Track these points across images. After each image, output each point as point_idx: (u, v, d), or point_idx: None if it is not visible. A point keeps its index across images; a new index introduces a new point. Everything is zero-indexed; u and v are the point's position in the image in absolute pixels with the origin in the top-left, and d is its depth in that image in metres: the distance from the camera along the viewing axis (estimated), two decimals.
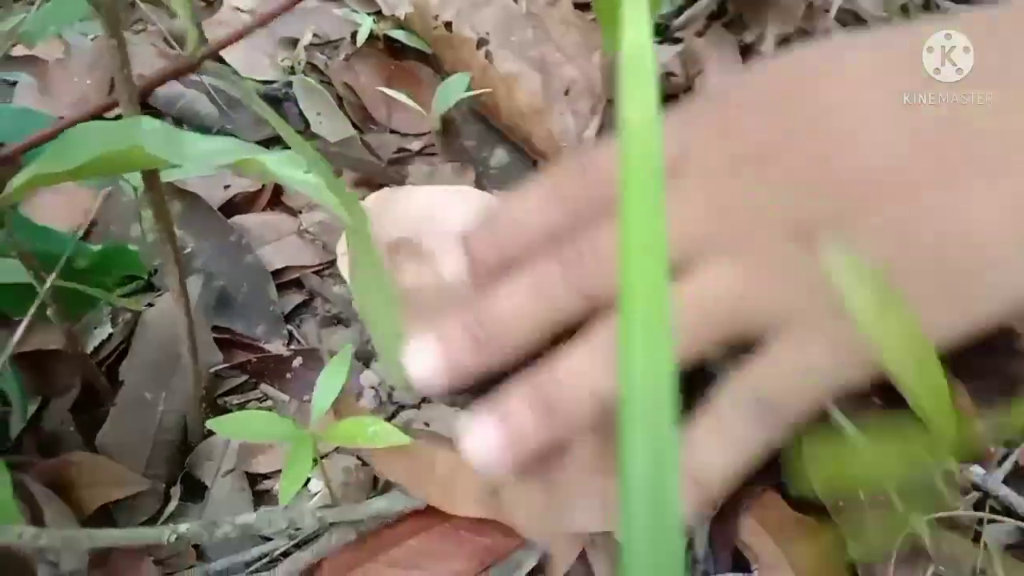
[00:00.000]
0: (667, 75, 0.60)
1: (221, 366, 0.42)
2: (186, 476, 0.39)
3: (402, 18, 0.57)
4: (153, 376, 0.40)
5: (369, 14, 0.58)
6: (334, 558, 0.36)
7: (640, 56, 0.13)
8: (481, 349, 0.29)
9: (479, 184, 0.52)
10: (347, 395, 0.41)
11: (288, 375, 0.42)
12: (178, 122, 0.55)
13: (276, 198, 0.51)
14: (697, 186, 0.31)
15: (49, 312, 0.34)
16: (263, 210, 0.50)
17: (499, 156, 0.54)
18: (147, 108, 0.54)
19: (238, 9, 0.60)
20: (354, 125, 0.55)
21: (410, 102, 0.50)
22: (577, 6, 0.62)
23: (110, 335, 0.43)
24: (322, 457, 0.37)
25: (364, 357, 0.43)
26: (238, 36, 0.36)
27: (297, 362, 0.42)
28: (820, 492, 0.37)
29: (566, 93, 0.51)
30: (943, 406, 0.25)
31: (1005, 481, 0.39)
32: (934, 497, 0.39)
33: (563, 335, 0.30)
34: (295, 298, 0.46)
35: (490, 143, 0.55)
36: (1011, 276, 0.28)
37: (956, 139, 0.29)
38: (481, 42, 0.53)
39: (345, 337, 0.45)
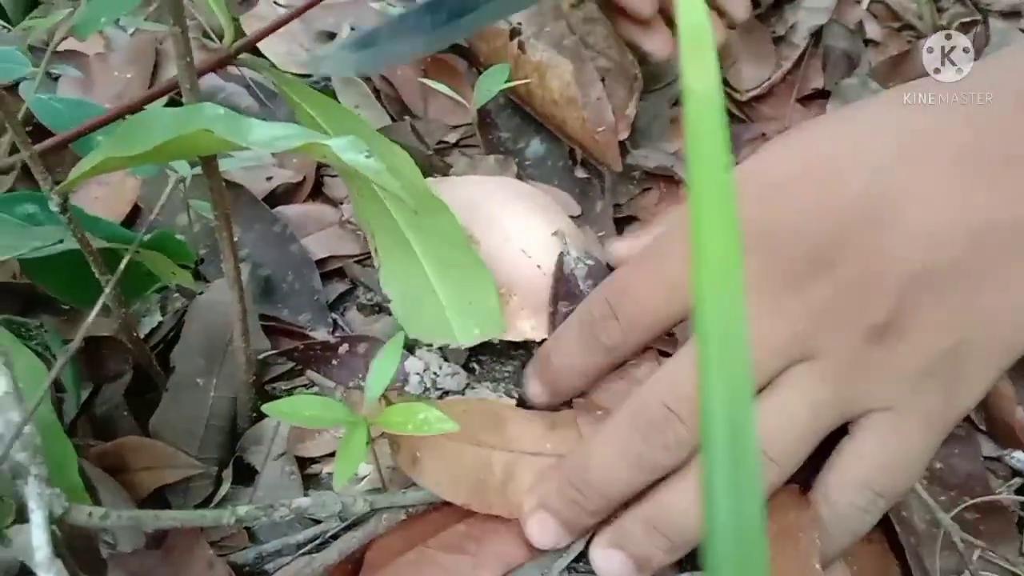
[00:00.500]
0: None
1: (268, 353, 0.43)
2: (237, 460, 0.40)
3: None
4: (204, 362, 0.40)
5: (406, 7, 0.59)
6: (383, 541, 0.37)
7: (698, 27, 0.14)
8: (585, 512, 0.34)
9: (519, 176, 0.52)
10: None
11: (334, 362, 0.43)
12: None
13: (317, 189, 0.51)
14: (759, 299, 0.32)
15: (107, 299, 0.35)
16: (305, 201, 0.51)
17: (535, 146, 0.54)
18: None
19: (275, 3, 0.61)
20: (391, 117, 0.55)
21: (451, 92, 0.50)
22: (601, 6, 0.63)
23: (160, 323, 0.44)
24: (370, 441, 0.37)
25: (408, 344, 0.44)
26: (272, 28, 0.37)
27: (342, 349, 0.43)
28: None
29: (602, 80, 0.52)
30: None
31: None
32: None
33: None
34: (338, 287, 0.47)
35: (526, 133, 0.55)
36: None
37: (999, 227, 0.30)
38: (513, 32, 0.53)
39: (387, 324, 0.46)
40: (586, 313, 0.37)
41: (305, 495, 0.39)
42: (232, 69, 0.58)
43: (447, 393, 0.42)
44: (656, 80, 0.58)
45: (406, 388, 0.42)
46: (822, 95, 0.59)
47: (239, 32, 0.37)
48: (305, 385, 0.43)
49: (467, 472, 0.36)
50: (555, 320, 0.40)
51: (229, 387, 0.40)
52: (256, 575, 0.36)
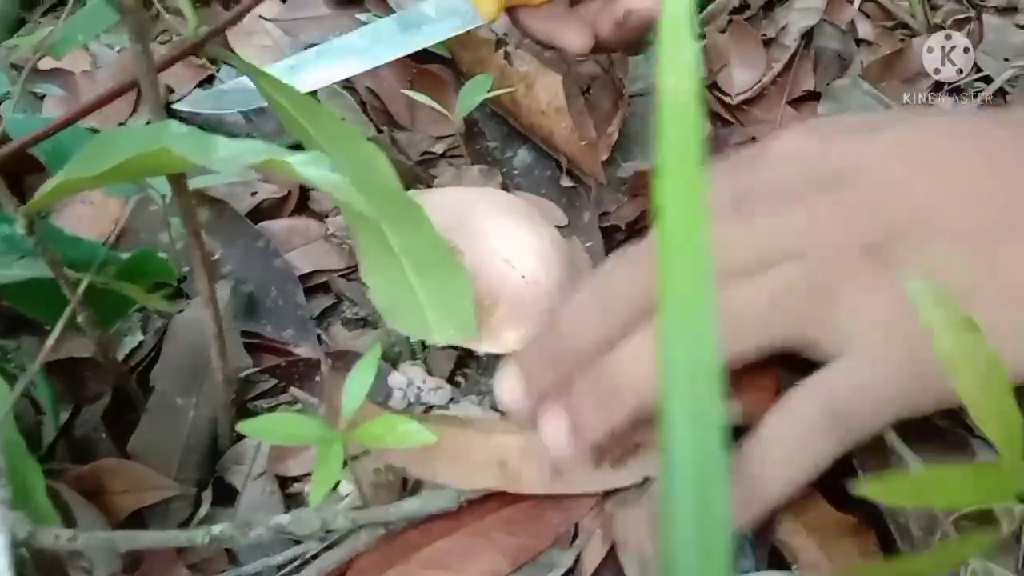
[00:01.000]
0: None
1: (251, 370, 0.42)
2: (217, 480, 0.39)
3: None
4: (184, 382, 0.40)
5: None
6: (364, 558, 0.36)
7: (678, 27, 0.13)
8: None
9: (504, 186, 0.51)
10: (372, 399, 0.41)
11: (317, 378, 0.42)
12: (203, 130, 0.55)
13: (303, 203, 0.51)
14: (769, 205, 0.33)
15: (80, 320, 0.35)
16: (290, 216, 0.50)
17: (522, 156, 0.54)
18: (172, 116, 0.55)
19: (261, 17, 0.61)
20: (378, 129, 0.55)
21: (434, 104, 0.50)
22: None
23: (140, 342, 0.44)
24: (352, 459, 0.37)
25: (392, 358, 0.43)
26: (240, 15, 0.36)
27: (326, 365, 0.42)
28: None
29: (587, 90, 0.51)
30: (1015, 441, 0.24)
31: None
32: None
33: None
34: (323, 301, 0.46)
35: (513, 143, 0.55)
36: None
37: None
38: (500, 43, 0.52)
39: (373, 339, 0.45)
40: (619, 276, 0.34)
41: (288, 513, 0.39)
42: (218, 83, 0.57)
43: (431, 408, 0.41)
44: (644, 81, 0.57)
45: (390, 403, 0.42)
46: (813, 97, 0.58)
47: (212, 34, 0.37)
48: (289, 402, 0.43)
49: (488, 457, 0.36)
50: None
51: (209, 406, 0.40)
52: None
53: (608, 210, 0.51)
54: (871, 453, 0.38)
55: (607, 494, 0.36)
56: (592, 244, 0.48)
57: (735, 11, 0.63)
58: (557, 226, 0.48)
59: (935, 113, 0.36)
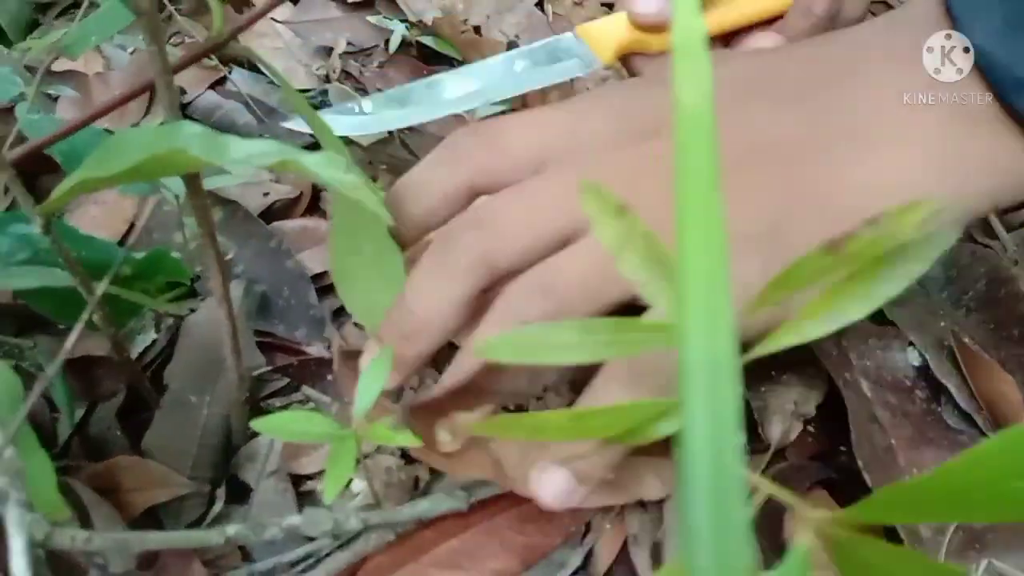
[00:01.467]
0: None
1: (263, 369, 0.43)
2: (231, 478, 0.39)
3: (429, 23, 0.58)
4: (197, 380, 0.40)
5: (402, 21, 0.59)
6: (376, 557, 0.36)
7: (693, 38, 0.13)
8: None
9: None
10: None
11: (329, 377, 0.42)
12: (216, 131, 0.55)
13: (314, 204, 0.51)
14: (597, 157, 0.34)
15: (95, 319, 0.35)
16: (302, 216, 0.51)
17: None
18: (186, 118, 0.55)
19: (273, 19, 0.61)
20: (388, 132, 0.55)
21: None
22: (604, 4, 0.63)
23: (154, 341, 0.44)
24: (364, 457, 0.37)
25: None
26: (260, 15, 0.36)
27: (339, 363, 0.43)
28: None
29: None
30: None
31: None
32: None
33: None
34: (334, 302, 0.47)
35: None
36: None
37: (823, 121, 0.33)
38: (511, 45, 0.53)
39: None
40: (447, 250, 0.34)
41: (299, 512, 0.39)
42: (230, 86, 0.58)
43: None
44: None
45: (401, 401, 0.42)
46: None
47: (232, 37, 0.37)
48: (301, 401, 0.43)
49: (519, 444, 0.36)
50: None
51: (223, 405, 0.40)
52: None
53: None
54: (875, 456, 0.38)
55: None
56: None
57: None
58: None
59: (750, 54, 0.40)
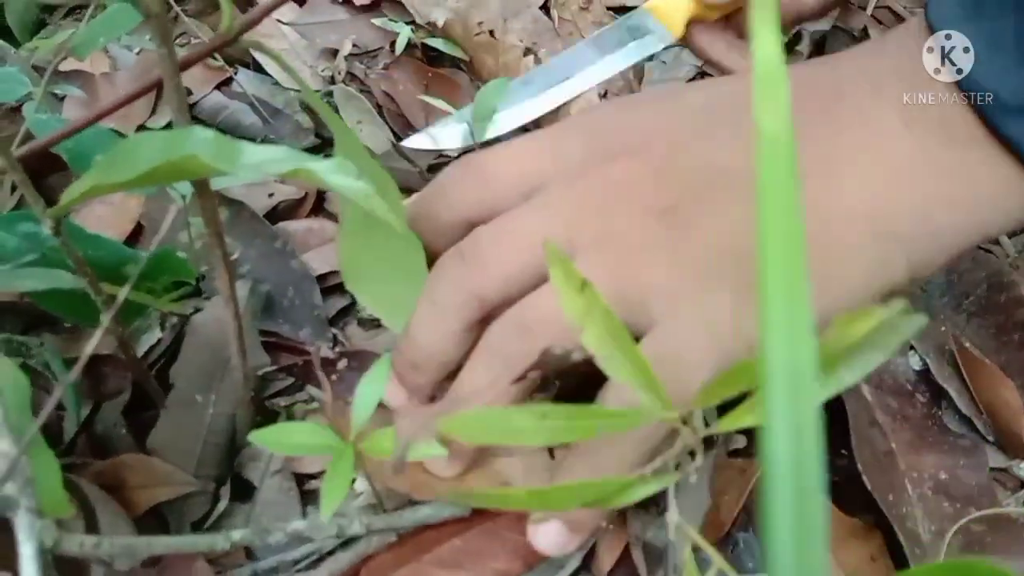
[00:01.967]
0: (703, 75, 0.60)
1: (268, 369, 0.43)
2: (235, 477, 0.40)
3: (440, 25, 0.58)
4: (202, 379, 0.41)
5: (407, 23, 0.59)
6: (378, 556, 0.37)
7: (773, 69, 0.14)
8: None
9: None
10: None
11: (333, 377, 0.43)
12: (222, 132, 0.56)
13: (319, 205, 0.52)
14: (560, 192, 0.34)
15: (103, 318, 0.35)
16: (306, 217, 0.51)
17: None
18: (192, 119, 0.55)
19: (279, 21, 0.61)
20: (393, 132, 0.55)
21: (450, 108, 0.50)
22: (609, 8, 0.63)
23: (159, 340, 0.44)
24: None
25: None
26: (270, 9, 0.36)
27: (342, 364, 0.43)
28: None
29: (604, 95, 0.52)
30: (649, 380, 0.25)
31: None
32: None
33: None
34: (339, 302, 0.47)
35: None
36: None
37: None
38: (528, 50, 0.53)
39: (387, 339, 0.46)
40: (439, 287, 0.35)
41: (303, 511, 0.39)
42: (235, 86, 0.58)
43: None
44: None
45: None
46: None
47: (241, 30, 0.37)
48: (305, 400, 0.43)
49: (491, 481, 0.36)
50: None
51: (228, 403, 0.40)
52: None
53: None
54: (875, 460, 0.38)
55: None
56: None
57: None
58: None
59: (723, 80, 0.38)
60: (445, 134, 0.51)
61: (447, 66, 0.59)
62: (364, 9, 0.62)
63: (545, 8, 0.62)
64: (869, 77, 0.33)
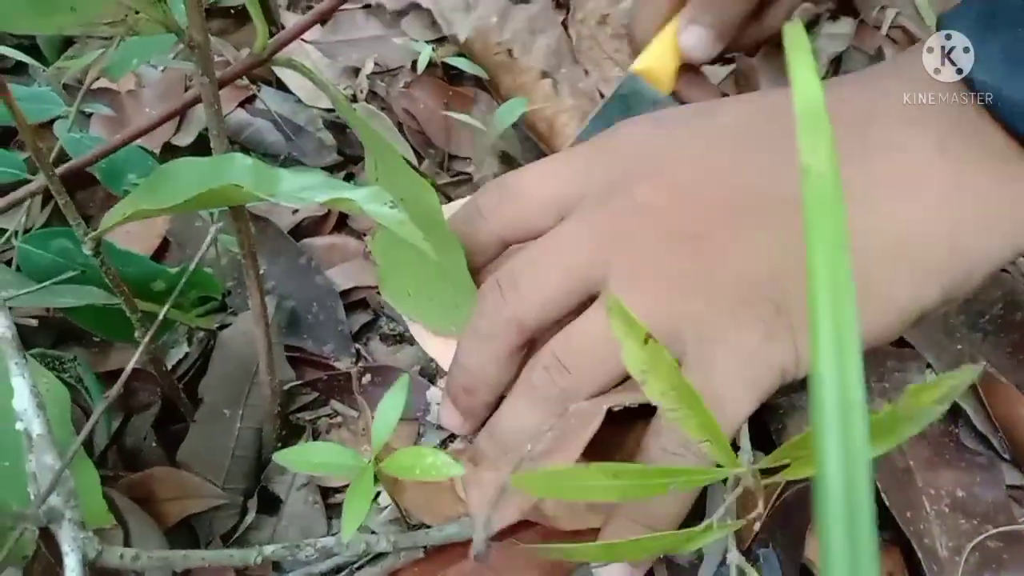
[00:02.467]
0: (721, 95, 0.61)
1: (293, 383, 0.44)
2: (262, 490, 0.40)
3: (462, 41, 0.59)
4: (231, 393, 0.41)
5: (428, 42, 0.60)
6: (404, 571, 0.37)
7: (814, 107, 0.14)
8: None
9: None
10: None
11: (360, 392, 0.44)
12: (245, 150, 0.57)
13: (342, 222, 0.53)
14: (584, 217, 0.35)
15: (137, 335, 0.36)
16: (330, 233, 0.52)
17: None
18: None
19: (302, 40, 0.62)
20: (414, 150, 0.56)
21: (473, 121, 0.51)
22: (623, 24, 0.64)
23: (186, 354, 0.45)
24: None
25: (429, 374, 0.44)
26: (303, 29, 0.37)
27: (365, 379, 0.44)
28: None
29: None
30: (715, 431, 0.26)
31: None
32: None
33: None
34: (362, 317, 0.48)
35: None
36: None
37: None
38: (545, 73, 0.54)
39: (409, 354, 0.46)
40: (482, 316, 0.36)
41: (328, 524, 0.40)
42: (259, 104, 0.59)
43: None
44: None
45: (427, 417, 0.43)
46: None
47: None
48: (329, 415, 0.44)
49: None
50: None
51: (255, 418, 0.41)
52: None
53: None
54: (893, 477, 0.39)
55: None
56: None
57: None
58: None
59: (753, 98, 0.38)
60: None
61: (468, 84, 0.60)
62: (390, 22, 0.63)
63: (564, 25, 0.63)
64: (898, 99, 0.33)
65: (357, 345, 0.47)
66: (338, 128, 0.58)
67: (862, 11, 0.65)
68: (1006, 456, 0.42)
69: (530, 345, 0.36)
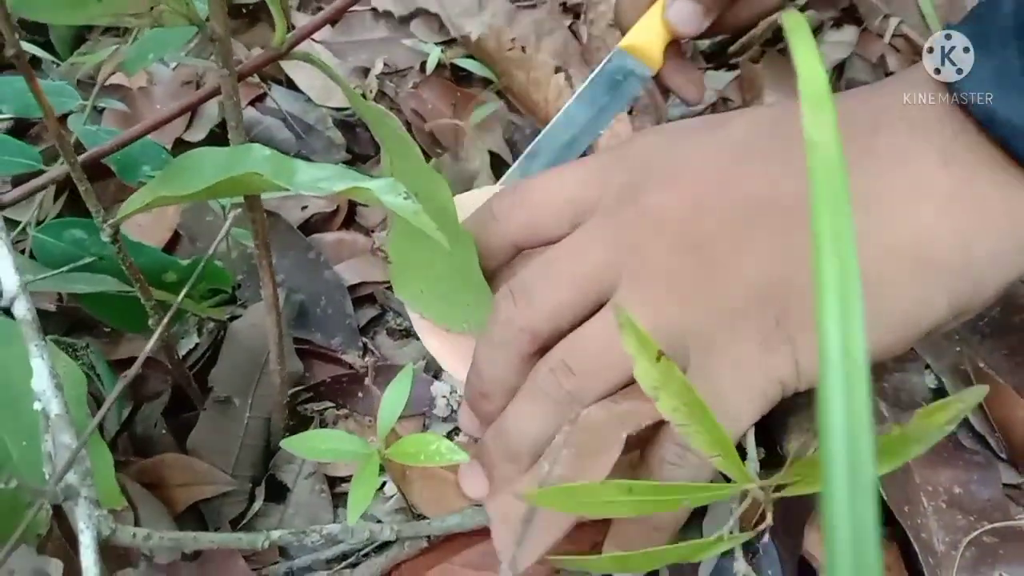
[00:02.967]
0: (724, 100, 0.62)
1: (298, 389, 0.44)
2: (269, 478, 0.41)
3: (473, 39, 0.60)
4: (240, 383, 0.42)
5: (436, 44, 0.61)
6: (410, 561, 0.38)
7: (817, 80, 0.15)
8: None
9: None
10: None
11: (364, 383, 0.44)
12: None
13: (350, 218, 0.53)
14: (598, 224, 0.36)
15: (151, 323, 0.37)
16: (339, 229, 0.52)
17: None
18: (227, 132, 0.57)
19: (312, 40, 0.63)
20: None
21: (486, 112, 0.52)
22: None
23: (196, 344, 0.46)
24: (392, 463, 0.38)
25: (435, 368, 0.45)
26: (321, 23, 0.38)
27: (372, 371, 0.44)
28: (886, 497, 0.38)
29: (630, 112, 0.53)
30: (725, 445, 0.27)
31: None
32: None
33: None
34: (369, 312, 0.49)
35: None
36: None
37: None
38: (559, 68, 0.55)
39: (415, 348, 0.47)
40: (496, 324, 0.37)
41: (334, 512, 0.41)
42: (269, 102, 0.60)
43: None
44: None
45: (433, 411, 0.44)
46: None
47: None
48: (336, 406, 0.45)
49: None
50: None
51: (263, 407, 0.42)
52: None
53: None
54: (892, 473, 0.39)
55: None
56: None
57: (768, 42, 0.65)
58: None
59: (763, 111, 0.38)
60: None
61: (475, 86, 0.61)
62: (398, 25, 0.64)
63: (571, 28, 0.64)
64: (903, 112, 0.33)
65: (364, 339, 0.47)
66: (347, 127, 0.58)
67: (865, 19, 0.66)
68: (1003, 455, 0.42)
69: (545, 349, 0.37)
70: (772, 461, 0.41)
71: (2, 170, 0.44)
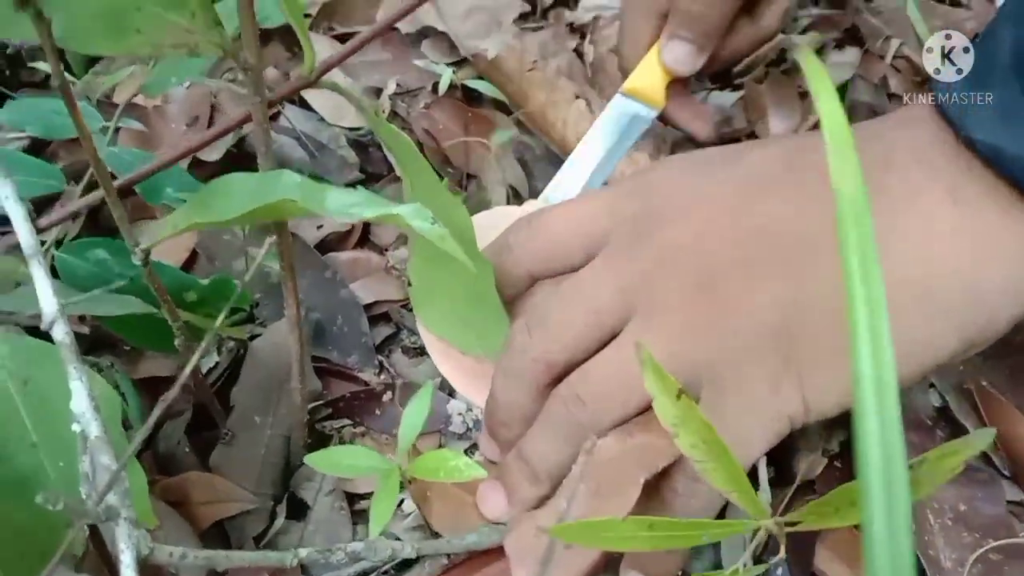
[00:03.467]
0: (728, 120, 0.63)
1: (317, 404, 0.45)
2: (290, 496, 0.42)
3: (491, 58, 0.60)
4: (261, 401, 0.43)
5: (448, 65, 0.62)
6: None
7: (841, 128, 0.16)
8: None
9: None
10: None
11: (377, 411, 0.45)
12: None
13: (365, 237, 0.54)
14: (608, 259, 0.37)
15: (176, 343, 0.38)
16: (353, 248, 0.53)
17: None
18: (242, 152, 0.58)
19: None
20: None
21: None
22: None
23: (216, 363, 0.47)
24: (413, 479, 0.39)
25: (449, 388, 0.46)
26: (349, 53, 0.39)
27: (388, 390, 0.45)
28: None
29: None
30: (741, 482, 0.28)
31: None
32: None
33: None
34: (384, 330, 0.49)
35: None
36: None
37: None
38: (578, 95, 0.56)
39: (430, 366, 0.48)
40: (511, 354, 0.38)
41: (354, 530, 0.41)
42: (283, 122, 0.61)
43: None
44: None
45: (449, 428, 0.44)
46: None
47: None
48: (353, 424, 0.45)
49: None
50: None
51: (284, 425, 0.43)
52: None
53: None
54: None
55: None
56: None
57: (772, 63, 0.67)
58: None
59: (774, 142, 0.40)
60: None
61: (485, 106, 0.62)
62: (408, 47, 0.65)
63: (576, 50, 0.65)
64: (913, 148, 0.33)
65: (380, 357, 0.48)
66: (360, 146, 0.59)
67: (867, 41, 0.67)
68: (1006, 473, 0.43)
69: (561, 377, 0.38)
70: (781, 480, 0.42)
71: (26, 192, 0.45)
